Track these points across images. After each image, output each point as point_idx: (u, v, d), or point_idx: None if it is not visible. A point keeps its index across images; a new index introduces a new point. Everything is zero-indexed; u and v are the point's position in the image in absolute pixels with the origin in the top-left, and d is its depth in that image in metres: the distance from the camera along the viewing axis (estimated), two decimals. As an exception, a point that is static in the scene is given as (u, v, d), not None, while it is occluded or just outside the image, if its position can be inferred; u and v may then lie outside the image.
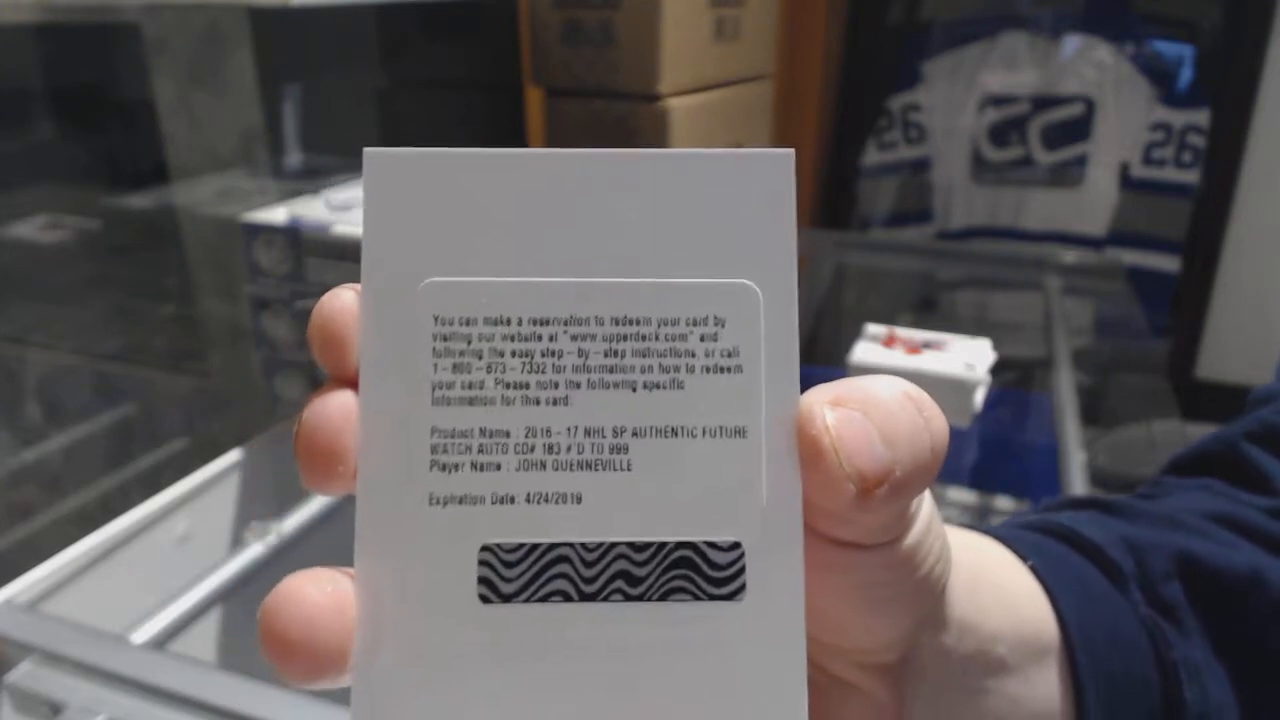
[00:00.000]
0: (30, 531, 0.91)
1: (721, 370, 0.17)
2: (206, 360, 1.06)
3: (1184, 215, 2.01)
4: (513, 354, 0.17)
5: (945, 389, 0.87)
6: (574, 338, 0.17)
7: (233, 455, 0.81)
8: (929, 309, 1.54)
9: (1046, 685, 0.27)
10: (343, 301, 0.17)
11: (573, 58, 1.34)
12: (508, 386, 0.17)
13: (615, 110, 1.33)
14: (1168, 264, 2.03)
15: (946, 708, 0.24)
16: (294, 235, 0.77)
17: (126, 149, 1.11)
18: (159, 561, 0.73)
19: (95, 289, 1.10)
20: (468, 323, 0.17)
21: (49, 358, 1.05)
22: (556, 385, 0.17)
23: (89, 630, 0.58)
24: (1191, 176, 1.97)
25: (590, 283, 0.17)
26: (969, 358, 0.89)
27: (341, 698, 0.53)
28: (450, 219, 0.17)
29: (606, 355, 0.17)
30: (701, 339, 0.17)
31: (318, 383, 0.81)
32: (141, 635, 0.60)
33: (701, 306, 0.17)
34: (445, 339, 0.17)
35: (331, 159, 1.19)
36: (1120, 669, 0.28)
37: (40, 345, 1.04)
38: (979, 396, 0.87)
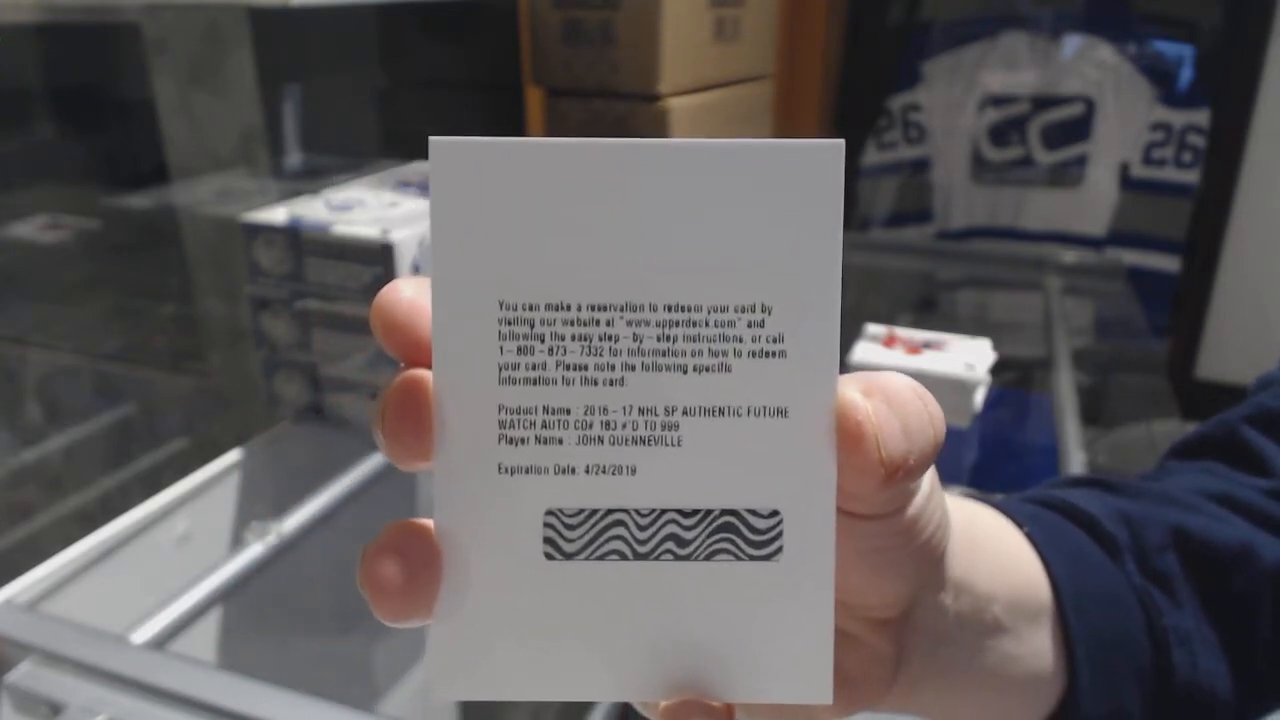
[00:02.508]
0: (30, 531, 0.91)
1: (767, 355, 0.18)
2: (206, 360, 1.06)
3: (1184, 215, 2.01)
4: (572, 338, 0.18)
5: (945, 389, 0.87)
6: (629, 323, 0.18)
7: (233, 455, 0.81)
8: (929, 309, 1.54)
9: (1039, 644, 0.28)
10: (401, 294, 0.19)
11: (573, 58, 1.34)
12: (568, 368, 0.18)
13: (615, 110, 1.33)
14: (1168, 264, 2.03)
15: (945, 661, 0.25)
16: (294, 235, 0.77)
17: (126, 149, 1.11)
18: (159, 561, 0.73)
19: (95, 289, 1.10)
20: (531, 308, 0.18)
21: (49, 358, 1.05)
22: (613, 367, 0.18)
23: (89, 630, 0.58)
24: (1191, 176, 1.97)
25: (645, 271, 0.18)
26: (969, 358, 0.89)
27: (340, 697, 0.53)
28: (513, 207, 0.18)
29: (659, 340, 0.18)
30: (749, 325, 0.18)
31: (317, 382, 0.80)
32: (141, 635, 0.60)
33: (750, 294, 0.18)
34: (510, 323, 0.18)
35: (331, 159, 1.19)
36: (1111, 633, 0.30)
37: (40, 345, 1.04)
38: (979, 396, 0.87)
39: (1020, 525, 0.30)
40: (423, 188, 0.89)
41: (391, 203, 0.83)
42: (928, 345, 0.92)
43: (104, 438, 1.04)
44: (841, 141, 0.18)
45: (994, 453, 1.03)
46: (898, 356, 0.89)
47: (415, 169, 0.96)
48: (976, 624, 0.26)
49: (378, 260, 0.75)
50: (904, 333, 0.94)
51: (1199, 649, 0.31)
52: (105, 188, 1.08)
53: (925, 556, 0.22)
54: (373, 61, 1.37)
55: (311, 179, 1.06)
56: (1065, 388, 0.99)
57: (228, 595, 0.67)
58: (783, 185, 0.18)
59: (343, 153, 1.22)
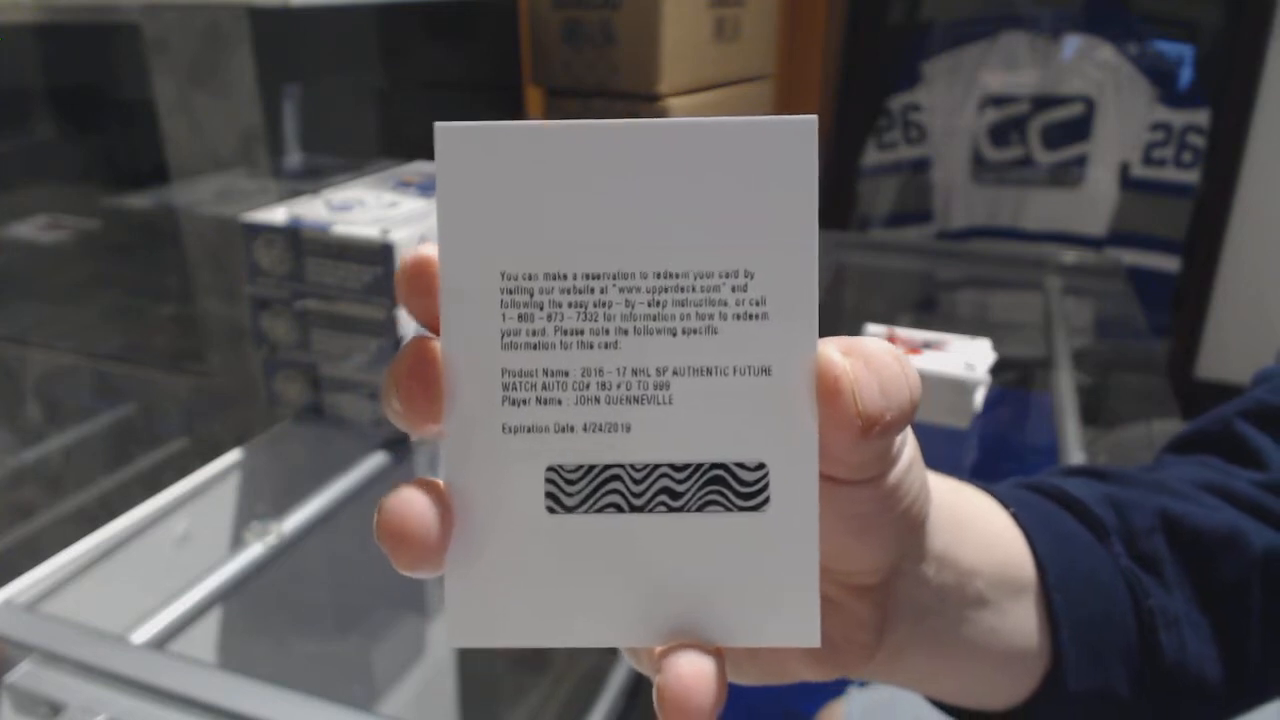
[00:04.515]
0: (30, 531, 0.91)
1: (750, 317, 0.20)
2: (206, 360, 1.06)
3: (1184, 215, 2.01)
4: (569, 305, 0.20)
5: (945, 389, 0.87)
6: (621, 290, 0.20)
7: (233, 455, 0.81)
8: (929, 309, 1.54)
9: (1023, 619, 0.29)
10: (425, 257, 0.20)
11: (573, 58, 1.34)
12: (565, 333, 0.20)
13: (615, 110, 1.33)
14: (1168, 264, 2.03)
15: (928, 631, 0.26)
16: (294, 235, 0.77)
17: (126, 149, 1.11)
18: (159, 561, 0.73)
19: (95, 289, 1.10)
20: (530, 278, 0.20)
21: (49, 358, 1.05)
22: (607, 332, 0.20)
23: (89, 630, 0.58)
24: (1191, 176, 1.97)
25: (635, 241, 0.19)
26: (969, 358, 0.89)
27: (340, 697, 0.53)
28: (512, 185, 0.19)
29: (650, 305, 0.20)
30: (733, 290, 0.19)
31: (317, 382, 0.80)
32: (141, 635, 0.60)
33: (733, 261, 0.19)
34: (511, 293, 0.20)
35: (331, 159, 1.19)
36: (1097, 611, 0.30)
37: (40, 345, 1.04)
38: (979, 396, 0.87)
39: (1006, 506, 0.30)
40: (422, 188, 0.89)
41: (391, 203, 0.83)
42: (928, 345, 0.92)
43: (104, 438, 1.04)
44: (814, 117, 0.19)
45: (994, 453, 1.03)
46: (898, 356, 0.89)
47: (415, 169, 0.96)
48: (959, 597, 0.27)
49: (378, 260, 0.75)
50: (904, 333, 0.94)
51: (1188, 633, 0.31)
52: (105, 188, 1.08)
53: (905, 524, 0.23)
54: (373, 61, 1.37)
55: (311, 179, 1.06)
56: (1065, 388, 0.99)
57: (228, 595, 0.67)
58: (761, 159, 0.19)
59: (343, 153, 1.22)
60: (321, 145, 1.20)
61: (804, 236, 0.19)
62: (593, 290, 0.20)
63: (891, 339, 0.93)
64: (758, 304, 0.19)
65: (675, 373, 0.20)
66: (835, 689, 0.72)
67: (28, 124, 1.02)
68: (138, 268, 1.12)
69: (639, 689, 0.78)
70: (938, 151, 2.12)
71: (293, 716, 0.51)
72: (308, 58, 1.21)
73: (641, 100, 1.31)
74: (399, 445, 0.82)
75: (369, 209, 0.81)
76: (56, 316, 1.07)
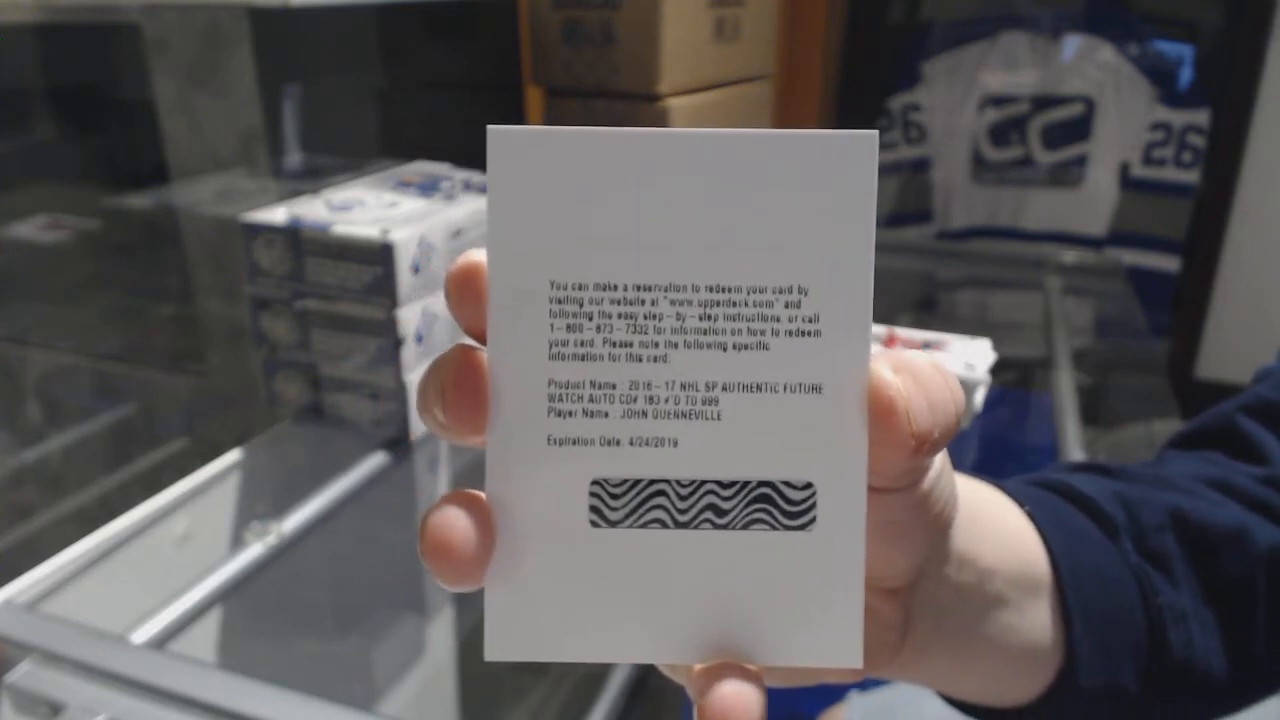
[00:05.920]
0: (30, 531, 0.91)
1: (803, 334, 0.19)
2: (206, 360, 1.06)
3: (1184, 215, 2.01)
4: (619, 316, 0.19)
5: (945, 389, 0.86)
6: (673, 302, 0.19)
7: (232, 455, 0.81)
8: (929, 309, 1.54)
9: (1039, 617, 0.29)
10: (474, 263, 0.19)
11: (573, 58, 1.34)
12: (614, 345, 0.19)
13: (615, 110, 1.33)
14: (1168, 264, 2.03)
15: (949, 630, 0.27)
16: (294, 235, 0.77)
17: (126, 149, 1.11)
18: (159, 561, 0.73)
19: (95, 289, 1.10)
20: (580, 288, 0.19)
21: (49, 358, 1.05)
22: (657, 345, 0.19)
23: (89, 630, 0.58)
24: (1191, 176, 1.97)
25: (688, 253, 0.19)
26: (969, 358, 0.89)
27: (340, 697, 0.53)
28: (565, 192, 0.19)
29: (701, 319, 0.19)
30: (786, 305, 0.19)
31: (317, 382, 0.80)
32: (141, 635, 0.60)
33: (787, 276, 0.19)
34: (560, 302, 0.19)
35: (331, 159, 1.19)
36: (1108, 608, 0.31)
37: (40, 345, 1.04)
38: (979, 396, 0.87)
39: (1021, 504, 0.31)
40: (422, 188, 0.89)
41: (391, 203, 0.83)
42: (928, 345, 0.92)
43: (104, 438, 1.04)
44: (875, 133, 0.19)
45: (994, 453, 1.02)
46: (898, 356, 0.89)
47: (415, 169, 0.96)
48: (979, 596, 0.27)
49: (378, 260, 0.75)
50: (904, 333, 0.94)
51: (1195, 628, 0.32)
52: (105, 188, 1.08)
53: (935, 529, 0.23)
54: (373, 62, 1.37)
55: (311, 179, 1.06)
56: (1065, 388, 0.99)
57: (228, 595, 0.67)
58: (819, 173, 0.19)
59: (343, 153, 1.22)
60: (321, 145, 1.20)
61: (861, 254, 0.19)
62: (643, 302, 0.19)
63: (891, 339, 0.93)
64: (811, 320, 0.19)
65: (725, 388, 0.19)
66: (838, 691, 0.72)
67: (28, 124, 1.02)
68: (138, 268, 1.12)
69: (639, 690, 0.78)
70: (938, 151, 2.12)
71: (293, 716, 0.51)
72: (308, 58, 1.21)
73: (641, 100, 1.31)
74: (399, 445, 0.82)
75: (369, 209, 0.81)
76: (56, 316, 1.07)
